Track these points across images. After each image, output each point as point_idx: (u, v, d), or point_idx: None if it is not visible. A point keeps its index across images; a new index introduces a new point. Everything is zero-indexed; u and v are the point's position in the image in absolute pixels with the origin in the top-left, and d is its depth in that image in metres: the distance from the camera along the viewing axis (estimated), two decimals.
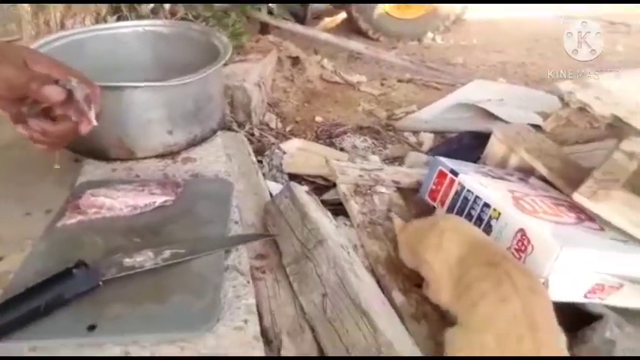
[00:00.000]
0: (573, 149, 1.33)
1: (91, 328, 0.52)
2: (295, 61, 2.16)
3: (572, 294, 0.74)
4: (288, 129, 1.69)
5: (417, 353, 0.61)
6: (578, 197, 0.83)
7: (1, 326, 0.49)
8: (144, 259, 0.60)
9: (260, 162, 1.30)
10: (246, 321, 0.58)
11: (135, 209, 0.72)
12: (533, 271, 0.71)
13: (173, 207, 0.75)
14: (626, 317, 0.75)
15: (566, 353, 0.61)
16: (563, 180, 0.96)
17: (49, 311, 0.52)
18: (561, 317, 0.63)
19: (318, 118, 1.79)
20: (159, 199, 0.74)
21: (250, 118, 1.61)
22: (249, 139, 1.42)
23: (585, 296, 0.75)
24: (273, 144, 1.46)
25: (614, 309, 0.76)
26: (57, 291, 0.52)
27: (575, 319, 0.74)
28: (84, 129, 0.59)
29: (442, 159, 0.99)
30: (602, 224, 0.84)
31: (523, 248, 0.76)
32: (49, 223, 0.70)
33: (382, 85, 2.18)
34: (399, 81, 2.21)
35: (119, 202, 0.71)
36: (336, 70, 2.24)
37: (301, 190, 0.91)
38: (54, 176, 0.90)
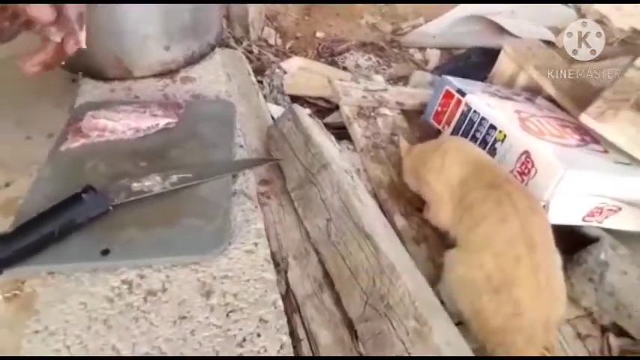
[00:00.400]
0: (585, 67, 1.29)
1: (105, 252, 0.54)
2: None
3: (572, 217, 0.76)
4: (288, 46, 1.62)
5: (418, 277, 0.63)
6: (585, 118, 0.83)
7: (17, 251, 0.50)
8: (152, 183, 0.60)
9: (260, 82, 1.26)
10: (256, 244, 0.59)
11: (138, 132, 0.71)
12: (535, 194, 0.72)
13: (176, 129, 0.74)
14: (621, 239, 0.76)
15: (561, 277, 0.63)
16: (571, 100, 0.94)
17: (62, 236, 0.53)
18: (559, 239, 0.64)
19: (320, 34, 1.71)
20: (161, 121, 0.73)
21: (248, 34, 1.54)
22: (247, 57, 1.37)
23: (584, 219, 0.76)
24: (273, 62, 1.41)
25: (610, 231, 0.78)
26: (68, 216, 0.53)
27: (572, 241, 0.76)
28: (70, 49, 0.56)
29: (449, 78, 0.96)
30: (607, 146, 0.84)
31: (526, 171, 0.76)
32: (52, 147, 0.69)
33: None
34: None
35: (122, 125, 0.69)
36: None
37: (304, 113, 0.89)
38: (51, 96, 0.88)
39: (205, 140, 0.73)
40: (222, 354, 0.46)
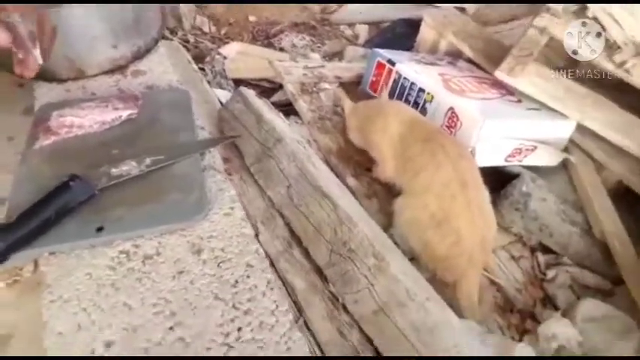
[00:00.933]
0: (496, 28, 1.43)
1: (99, 229, 0.60)
2: None
3: (496, 158, 0.87)
4: (223, 32, 1.65)
5: (372, 224, 0.72)
6: (499, 74, 0.93)
7: (21, 237, 0.55)
8: (129, 167, 0.66)
9: (202, 69, 1.30)
10: (232, 208, 0.67)
11: (104, 124, 0.76)
12: (463, 142, 0.83)
13: (139, 119, 0.79)
14: (538, 173, 0.89)
15: (490, 207, 0.74)
16: (487, 59, 1.05)
17: (58, 220, 0.58)
18: (487, 179, 0.75)
19: (252, 18, 1.75)
20: (124, 113, 0.78)
21: (181, 23, 1.57)
22: (184, 46, 1.39)
23: (506, 160, 0.88)
24: (212, 49, 1.44)
25: (529, 168, 0.90)
26: (60, 202, 0.58)
27: (499, 179, 0.87)
28: (33, 66, 0.61)
29: (379, 50, 1.05)
30: (520, 96, 0.96)
31: (453, 125, 0.87)
32: (24, 148, 0.72)
33: None
34: None
35: (88, 120, 0.74)
36: None
37: (252, 94, 0.94)
38: (2, 103, 0.89)
39: (167, 126, 0.78)
40: (220, 295, 0.54)
